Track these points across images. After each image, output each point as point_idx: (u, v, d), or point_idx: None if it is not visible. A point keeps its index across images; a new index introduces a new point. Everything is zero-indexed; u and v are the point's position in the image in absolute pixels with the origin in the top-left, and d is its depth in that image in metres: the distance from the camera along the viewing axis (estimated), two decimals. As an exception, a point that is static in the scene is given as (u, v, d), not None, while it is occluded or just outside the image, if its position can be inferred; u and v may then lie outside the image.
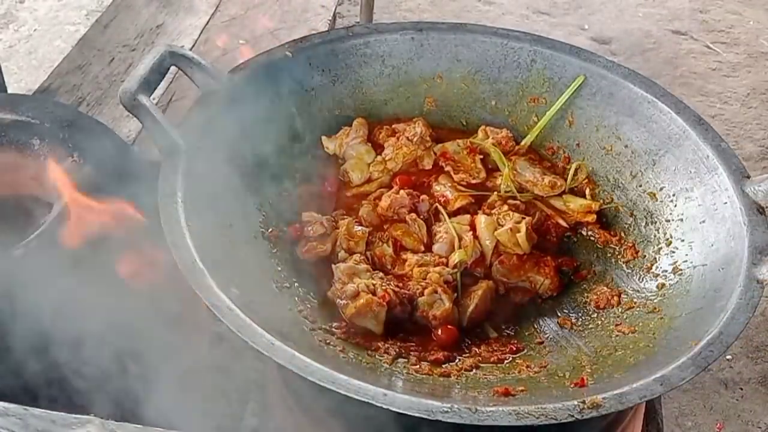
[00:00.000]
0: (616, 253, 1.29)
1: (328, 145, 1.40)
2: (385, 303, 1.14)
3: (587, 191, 1.35)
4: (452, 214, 1.30)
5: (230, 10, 2.49)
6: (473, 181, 1.36)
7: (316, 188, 1.36)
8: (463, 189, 1.34)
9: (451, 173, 1.37)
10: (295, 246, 1.25)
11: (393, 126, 1.42)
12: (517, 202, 1.32)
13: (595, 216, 1.32)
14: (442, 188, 1.35)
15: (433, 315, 1.16)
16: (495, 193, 1.34)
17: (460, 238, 1.26)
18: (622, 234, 1.30)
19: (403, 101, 1.46)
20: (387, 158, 1.38)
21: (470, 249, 1.24)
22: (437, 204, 1.32)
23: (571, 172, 1.36)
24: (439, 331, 1.16)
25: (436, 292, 1.17)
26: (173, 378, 1.32)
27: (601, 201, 1.34)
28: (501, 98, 1.45)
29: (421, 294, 1.17)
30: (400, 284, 1.19)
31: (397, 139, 1.40)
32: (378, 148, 1.41)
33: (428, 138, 1.41)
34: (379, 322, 1.13)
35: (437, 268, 1.21)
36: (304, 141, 1.38)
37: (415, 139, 1.39)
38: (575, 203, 1.33)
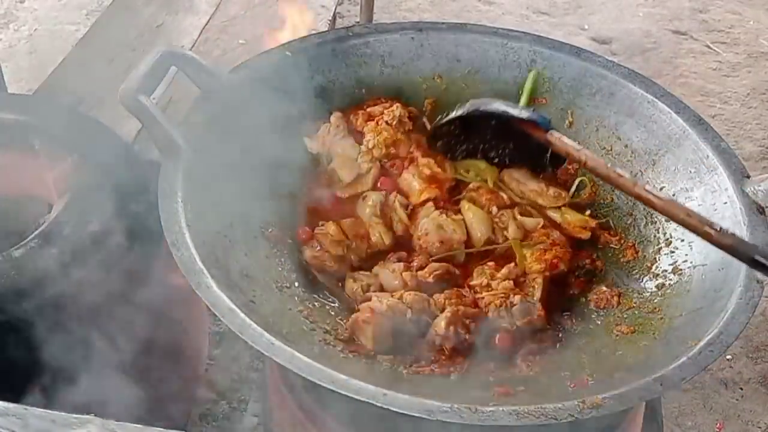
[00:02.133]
0: (616, 253, 1.29)
1: (310, 146, 1.36)
2: (372, 319, 1.11)
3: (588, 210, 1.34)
4: (420, 205, 1.30)
5: (230, 10, 2.49)
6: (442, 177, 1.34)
7: (316, 189, 1.36)
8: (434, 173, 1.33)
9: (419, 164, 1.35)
10: (301, 248, 1.24)
11: (368, 110, 1.40)
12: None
13: (590, 233, 1.30)
14: (410, 179, 1.33)
15: (530, 319, 1.15)
16: (485, 183, 1.34)
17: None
18: (622, 234, 1.30)
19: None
20: (370, 146, 1.35)
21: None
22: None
23: (575, 186, 1.35)
24: (497, 340, 1.14)
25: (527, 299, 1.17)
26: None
27: (597, 219, 1.32)
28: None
29: (510, 304, 1.16)
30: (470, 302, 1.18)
31: (377, 123, 1.37)
32: (357, 135, 1.38)
33: (407, 120, 1.39)
34: (367, 338, 1.10)
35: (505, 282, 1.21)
36: (304, 141, 1.38)
37: (394, 123, 1.37)
38: (573, 217, 1.31)
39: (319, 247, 1.24)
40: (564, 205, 1.33)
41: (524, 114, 1.20)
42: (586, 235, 1.30)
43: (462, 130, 1.28)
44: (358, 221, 1.29)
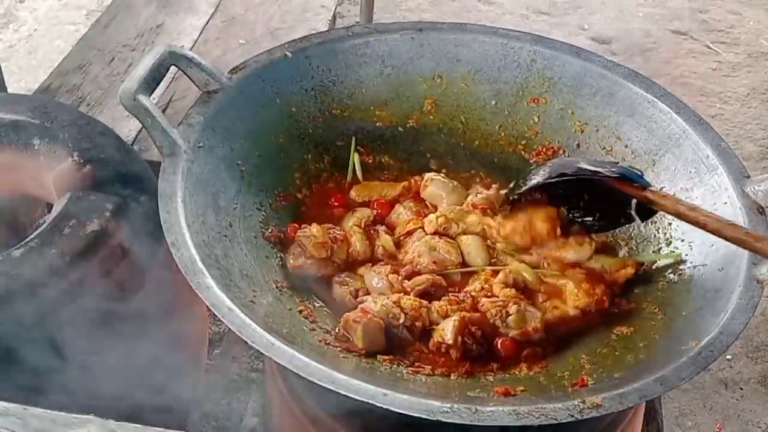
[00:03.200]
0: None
1: None
2: (362, 319, 1.11)
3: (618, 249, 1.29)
4: (407, 235, 1.27)
5: (230, 10, 2.49)
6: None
7: (316, 189, 1.36)
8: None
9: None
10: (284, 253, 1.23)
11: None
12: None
13: (633, 271, 1.21)
14: (401, 210, 1.30)
15: (524, 330, 1.14)
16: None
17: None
18: (623, 234, 1.30)
19: (403, 101, 1.45)
20: None
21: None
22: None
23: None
24: (500, 345, 1.14)
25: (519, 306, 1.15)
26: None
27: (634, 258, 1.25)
28: (501, 98, 1.45)
29: (505, 313, 1.15)
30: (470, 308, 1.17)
31: None
32: None
33: None
34: (358, 337, 1.10)
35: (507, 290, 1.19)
36: (304, 141, 1.38)
37: None
38: (606, 263, 1.22)
39: (300, 253, 1.21)
40: (594, 253, 1.23)
41: (616, 172, 1.12)
42: (630, 274, 1.22)
43: (543, 195, 1.20)
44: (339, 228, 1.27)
